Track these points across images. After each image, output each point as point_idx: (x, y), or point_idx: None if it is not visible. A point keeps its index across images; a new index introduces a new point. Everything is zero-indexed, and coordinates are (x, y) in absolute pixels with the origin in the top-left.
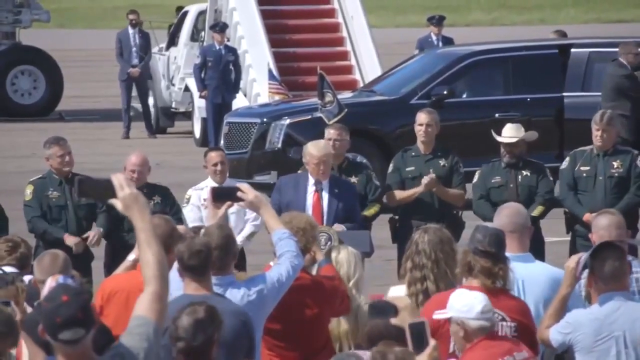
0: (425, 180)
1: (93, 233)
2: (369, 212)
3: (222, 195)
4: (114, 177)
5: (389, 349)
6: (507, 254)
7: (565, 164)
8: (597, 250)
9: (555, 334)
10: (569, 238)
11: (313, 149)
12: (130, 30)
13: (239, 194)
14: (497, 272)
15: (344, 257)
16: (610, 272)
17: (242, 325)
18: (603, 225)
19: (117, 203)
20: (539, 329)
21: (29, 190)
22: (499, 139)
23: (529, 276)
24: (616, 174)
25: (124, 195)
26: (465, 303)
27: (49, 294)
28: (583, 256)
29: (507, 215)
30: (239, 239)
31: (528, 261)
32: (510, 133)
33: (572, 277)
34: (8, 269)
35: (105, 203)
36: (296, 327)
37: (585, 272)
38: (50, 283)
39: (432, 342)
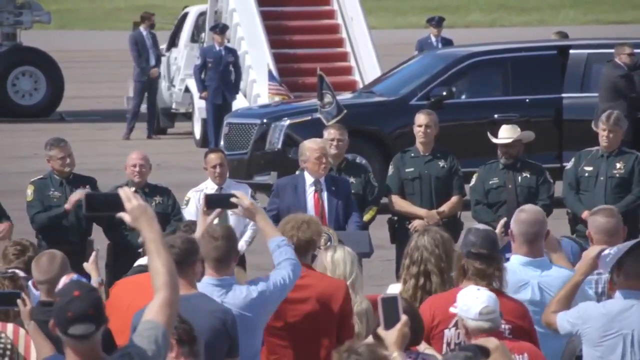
0: (428, 220)
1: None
2: (366, 217)
3: (216, 202)
4: (120, 190)
5: (357, 345)
6: (525, 258)
7: (570, 164)
8: (634, 246)
9: (563, 321)
10: None
11: (311, 144)
12: (144, 32)
13: (233, 199)
14: (492, 273)
15: (340, 257)
16: (634, 269)
17: (221, 324)
18: (599, 220)
19: (125, 216)
20: (545, 311)
21: (29, 190)
22: (494, 140)
23: (546, 281)
24: (617, 175)
25: (132, 208)
26: (466, 302)
27: (61, 290)
28: (608, 251)
29: (525, 223)
30: (241, 243)
31: (545, 266)
32: (505, 134)
33: (588, 266)
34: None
35: (114, 217)
36: (300, 329)
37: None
38: (64, 280)
39: (403, 318)
